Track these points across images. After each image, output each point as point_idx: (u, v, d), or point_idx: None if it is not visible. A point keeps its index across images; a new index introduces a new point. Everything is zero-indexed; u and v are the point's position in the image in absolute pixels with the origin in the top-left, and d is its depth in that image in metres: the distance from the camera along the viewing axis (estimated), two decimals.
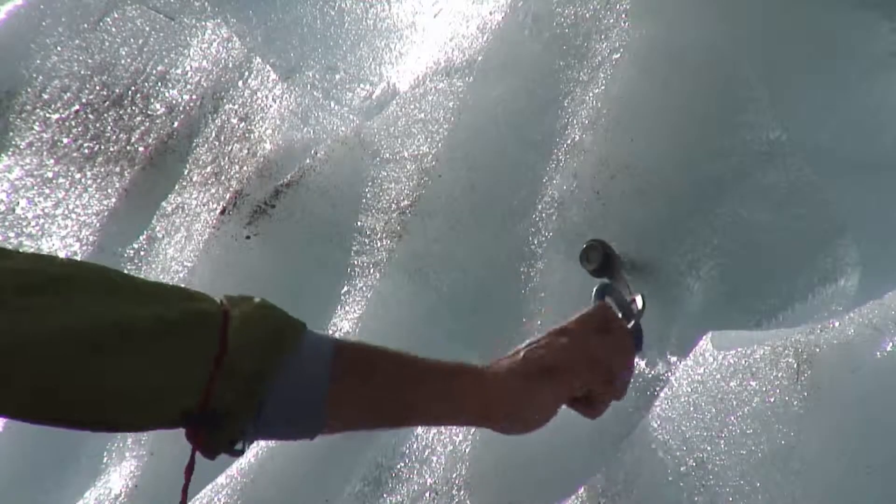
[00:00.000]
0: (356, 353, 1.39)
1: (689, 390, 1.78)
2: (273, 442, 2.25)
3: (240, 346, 1.29)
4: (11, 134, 3.14)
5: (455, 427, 2.08)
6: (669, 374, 1.92)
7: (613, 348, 1.59)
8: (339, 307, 2.37)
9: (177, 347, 1.27)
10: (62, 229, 2.92)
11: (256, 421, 1.31)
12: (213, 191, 2.69)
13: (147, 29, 3.06)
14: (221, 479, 2.27)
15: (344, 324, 2.33)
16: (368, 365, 1.39)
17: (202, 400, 1.27)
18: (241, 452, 1.34)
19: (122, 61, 3.05)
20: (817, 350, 1.66)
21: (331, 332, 2.35)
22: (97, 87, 3.06)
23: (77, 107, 3.07)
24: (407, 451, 2.14)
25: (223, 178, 2.69)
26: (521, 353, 1.52)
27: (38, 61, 3.18)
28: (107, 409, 1.26)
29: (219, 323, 1.29)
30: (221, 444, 1.32)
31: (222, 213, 2.58)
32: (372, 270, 2.35)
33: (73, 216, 2.93)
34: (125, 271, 2.76)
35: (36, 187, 3.02)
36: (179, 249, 2.67)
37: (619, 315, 1.70)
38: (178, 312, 1.28)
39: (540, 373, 1.50)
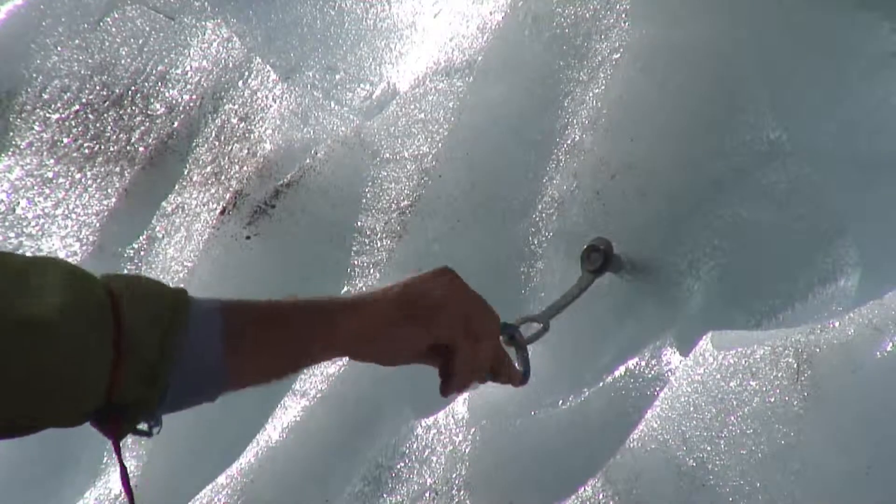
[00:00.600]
0: (243, 313, 1.39)
1: (689, 390, 1.78)
2: (273, 442, 2.26)
3: (135, 329, 1.28)
4: (11, 134, 3.14)
5: (454, 427, 2.08)
6: (669, 374, 1.92)
7: (490, 315, 1.58)
8: None
9: (70, 345, 1.24)
10: (62, 229, 2.92)
11: (161, 403, 1.31)
12: (213, 191, 2.69)
13: (147, 29, 3.06)
14: (221, 479, 2.27)
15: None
16: (257, 322, 1.39)
17: (108, 392, 1.27)
18: (149, 434, 1.35)
19: (122, 61, 3.05)
20: (817, 350, 1.67)
21: None
22: (97, 87, 3.06)
23: (77, 107, 3.07)
24: (407, 451, 2.14)
25: (223, 178, 2.69)
26: (400, 288, 1.52)
27: (38, 61, 3.17)
28: (27, 401, 1.24)
29: (110, 310, 1.28)
30: (129, 429, 1.33)
31: (222, 213, 2.58)
32: (372, 270, 2.35)
33: (73, 216, 2.93)
34: (125, 271, 2.76)
35: (36, 187, 3.02)
36: (179, 249, 2.67)
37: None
38: (72, 296, 1.26)
39: (413, 313, 1.50)
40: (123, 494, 1.45)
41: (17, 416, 1.27)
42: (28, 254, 2.90)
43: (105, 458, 2.51)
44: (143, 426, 1.34)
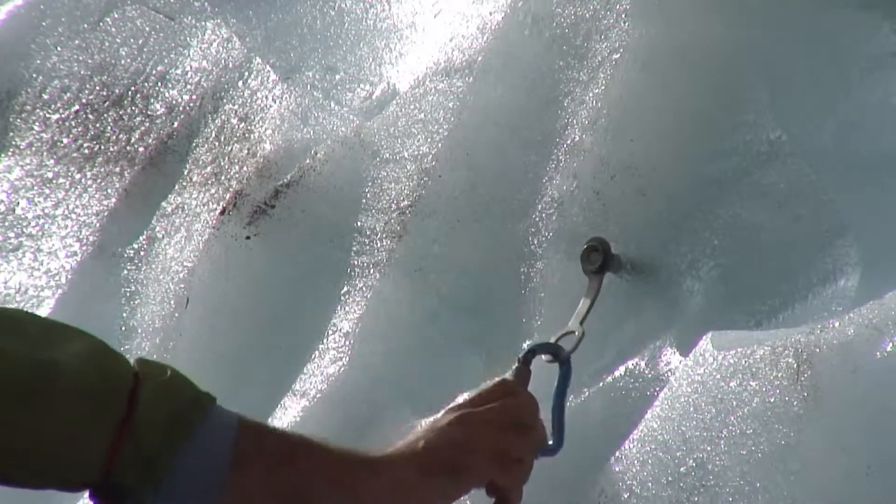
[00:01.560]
0: (258, 437, 1.37)
1: (689, 390, 1.78)
2: None
3: (148, 419, 1.28)
4: (11, 134, 3.13)
5: None
6: (669, 374, 1.92)
7: (520, 436, 1.53)
8: (339, 307, 2.36)
9: (81, 411, 1.25)
10: (62, 229, 2.92)
11: (155, 496, 1.30)
12: (213, 191, 2.69)
13: (147, 29, 3.06)
14: None
15: (344, 324, 2.33)
16: (269, 451, 1.37)
17: (104, 470, 1.27)
18: None
19: (122, 61, 3.05)
20: (817, 350, 1.66)
21: (330, 332, 2.35)
22: (97, 88, 3.06)
23: (77, 107, 3.07)
24: None
25: (223, 178, 2.69)
26: (421, 444, 1.45)
27: (38, 61, 3.17)
28: (18, 461, 1.24)
29: (129, 388, 1.28)
30: None
31: (222, 213, 2.58)
32: (372, 271, 2.35)
33: (73, 216, 2.93)
34: (125, 271, 2.76)
35: (36, 187, 3.02)
36: (179, 250, 2.67)
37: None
38: (94, 373, 1.26)
39: (439, 469, 1.44)
40: None
41: (13, 473, 1.27)
42: (28, 254, 2.91)
43: None
44: None
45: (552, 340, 1.86)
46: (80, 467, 1.27)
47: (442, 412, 1.52)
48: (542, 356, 1.80)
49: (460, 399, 1.55)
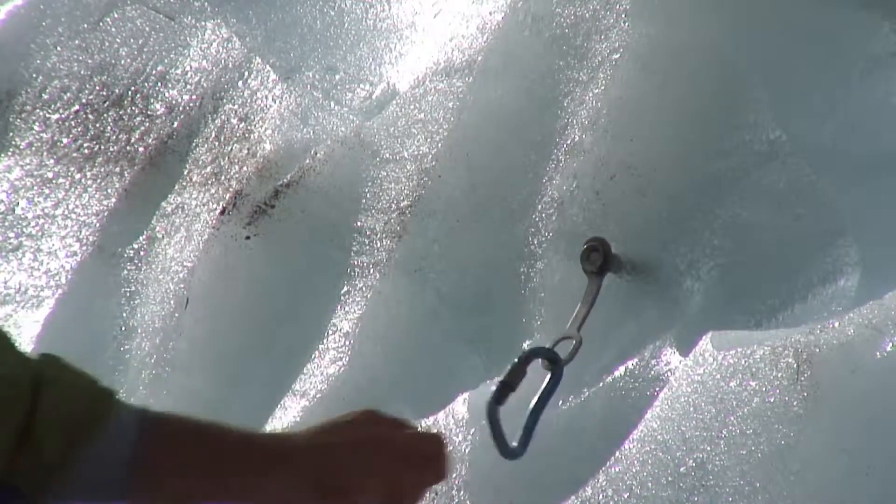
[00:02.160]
0: (159, 432, 1.37)
1: (689, 390, 1.78)
2: None
3: (47, 426, 1.27)
4: (11, 134, 3.13)
5: (454, 427, 2.08)
6: (669, 374, 1.92)
7: (417, 471, 1.48)
8: (339, 307, 2.36)
9: None
10: (62, 229, 2.92)
11: (55, 499, 1.31)
12: (212, 191, 2.69)
13: (147, 29, 3.05)
14: None
15: (344, 324, 2.33)
16: (169, 445, 1.37)
17: (4, 472, 1.27)
18: None
19: (122, 61, 3.05)
20: (817, 350, 1.67)
21: (330, 332, 2.35)
22: (97, 88, 3.06)
23: (77, 107, 3.07)
24: None
25: (223, 178, 2.69)
26: (323, 459, 1.42)
27: (38, 61, 3.17)
28: None
29: (28, 392, 1.27)
30: None
31: (222, 213, 2.58)
32: (372, 270, 2.35)
33: (73, 216, 2.93)
34: (125, 271, 2.76)
35: (36, 187, 3.02)
36: (179, 250, 2.67)
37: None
38: None
39: (332, 491, 1.44)
40: None
41: None
42: (28, 254, 2.90)
43: None
44: None
45: (549, 346, 1.87)
46: None
47: (346, 420, 1.50)
48: (540, 360, 1.82)
49: (363, 413, 1.53)
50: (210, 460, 1.38)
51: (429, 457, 1.50)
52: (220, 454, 1.39)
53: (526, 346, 2.10)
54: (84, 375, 1.34)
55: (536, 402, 1.80)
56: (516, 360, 1.77)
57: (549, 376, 1.82)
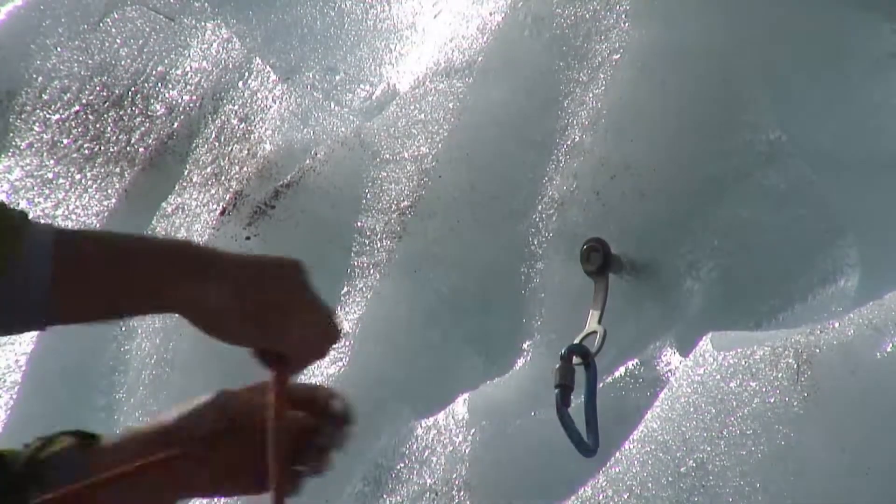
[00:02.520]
0: (76, 247, 1.38)
1: (689, 391, 1.78)
2: None
3: None
4: (11, 135, 3.13)
5: (454, 427, 2.08)
6: (669, 374, 1.93)
7: (330, 340, 1.48)
8: (339, 307, 2.36)
9: None
10: None
11: None
12: (213, 191, 2.69)
13: (147, 30, 3.06)
14: None
15: (344, 324, 2.33)
16: (89, 259, 1.38)
17: None
18: None
19: (122, 62, 3.05)
20: (817, 351, 1.67)
21: None
22: (97, 88, 3.06)
23: (77, 107, 3.07)
24: (407, 452, 2.14)
25: (223, 178, 2.69)
26: (247, 274, 1.41)
27: (38, 62, 3.17)
28: None
29: None
30: None
31: (222, 213, 2.58)
32: (372, 271, 2.35)
33: (74, 217, 2.93)
34: None
35: (36, 188, 3.02)
36: None
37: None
38: None
39: (258, 317, 1.41)
40: None
41: None
42: None
43: None
44: None
45: (576, 342, 1.93)
46: None
47: (284, 258, 1.50)
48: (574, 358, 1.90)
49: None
50: (132, 269, 1.38)
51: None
52: (144, 261, 1.39)
53: (526, 345, 2.10)
54: None
55: (587, 398, 1.89)
56: (560, 362, 1.89)
57: (585, 374, 1.90)
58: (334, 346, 1.50)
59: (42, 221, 1.36)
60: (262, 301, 1.43)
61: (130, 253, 1.40)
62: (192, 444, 1.46)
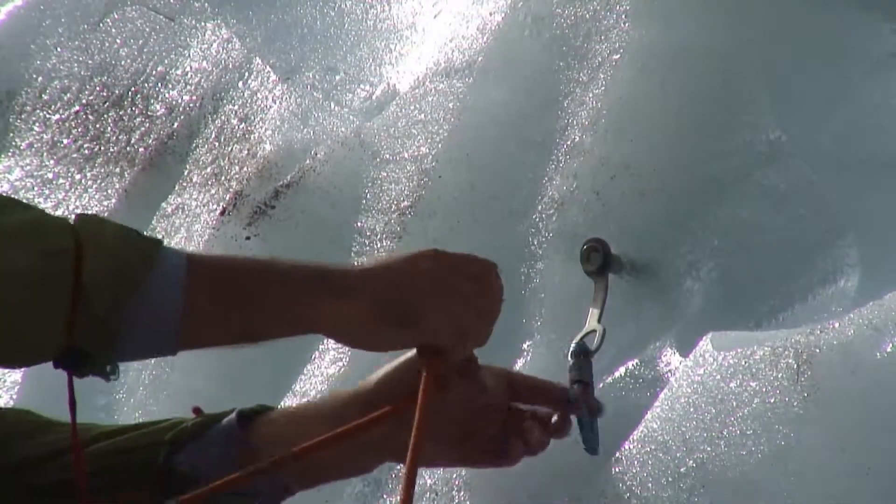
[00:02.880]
0: (209, 273, 1.38)
1: (689, 391, 1.78)
2: None
3: (95, 285, 1.29)
4: (11, 135, 3.14)
5: None
6: (669, 374, 1.92)
7: (482, 324, 1.53)
8: None
9: (31, 294, 1.27)
10: None
11: (116, 353, 1.32)
12: (212, 191, 2.69)
13: (147, 30, 3.06)
14: None
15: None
16: (220, 283, 1.38)
17: (65, 341, 1.29)
18: (110, 377, 1.36)
19: (122, 62, 3.05)
20: (817, 351, 1.66)
21: None
22: (97, 88, 3.06)
23: (77, 108, 3.07)
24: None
25: (223, 178, 2.69)
26: (390, 288, 1.45)
27: (38, 62, 3.17)
28: None
29: (71, 259, 1.29)
30: (84, 375, 1.35)
31: (222, 213, 2.58)
32: None
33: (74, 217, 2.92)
34: None
35: (36, 188, 3.02)
36: None
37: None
38: (32, 254, 1.27)
39: (397, 321, 1.44)
40: None
41: None
42: None
43: None
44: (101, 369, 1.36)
45: (577, 340, 1.92)
46: (41, 346, 1.30)
47: (417, 253, 1.50)
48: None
49: (437, 250, 1.53)
50: (267, 293, 1.38)
51: (493, 315, 1.50)
52: (279, 285, 1.39)
53: (526, 345, 2.10)
54: (125, 230, 1.34)
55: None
56: (573, 359, 1.88)
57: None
58: (490, 323, 1.50)
59: (175, 248, 1.35)
60: (401, 305, 1.43)
61: (265, 279, 1.39)
62: (398, 403, 1.47)
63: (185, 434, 1.61)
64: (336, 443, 1.51)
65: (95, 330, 1.29)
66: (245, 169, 2.65)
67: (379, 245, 2.35)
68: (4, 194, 1.43)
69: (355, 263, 1.51)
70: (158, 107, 2.94)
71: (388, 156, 2.43)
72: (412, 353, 1.58)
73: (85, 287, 1.28)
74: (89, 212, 2.90)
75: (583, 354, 1.89)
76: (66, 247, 1.29)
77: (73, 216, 1.35)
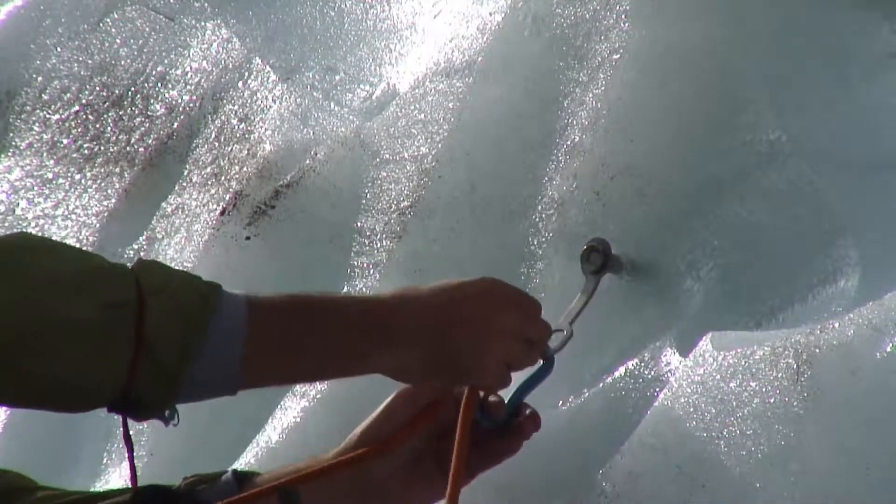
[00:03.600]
0: (267, 316, 1.39)
1: (690, 391, 1.78)
2: (273, 443, 2.25)
3: (158, 336, 1.30)
4: (11, 135, 3.14)
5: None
6: (669, 374, 1.92)
7: (528, 352, 1.59)
8: None
9: (92, 347, 1.28)
10: (62, 230, 2.92)
11: (176, 399, 1.33)
12: (212, 191, 2.69)
13: (147, 30, 3.06)
14: None
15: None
16: (279, 325, 1.39)
17: (124, 389, 1.29)
18: (169, 421, 1.37)
19: (122, 62, 3.05)
20: (817, 351, 1.67)
21: None
22: (97, 88, 3.06)
23: (77, 107, 3.07)
24: None
25: (223, 178, 2.69)
26: (439, 339, 1.49)
27: (38, 62, 3.17)
28: (38, 398, 1.29)
29: (134, 310, 1.29)
30: (147, 419, 1.35)
31: (222, 213, 2.58)
32: (372, 271, 2.35)
33: (73, 217, 2.93)
34: None
35: (36, 188, 3.02)
36: (179, 250, 2.67)
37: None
38: (95, 307, 1.28)
39: (443, 372, 1.49)
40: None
41: (29, 399, 1.31)
42: None
43: (105, 459, 2.51)
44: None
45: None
46: (99, 394, 1.30)
47: (459, 286, 1.53)
48: None
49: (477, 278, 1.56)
50: (327, 340, 1.40)
51: (538, 341, 1.53)
52: (338, 333, 1.40)
53: None
54: (187, 278, 1.34)
55: (526, 383, 1.83)
56: None
57: (538, 365, 1.86)
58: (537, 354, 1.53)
59: (234, 292, 1.35)
60: (454, 358, 1.46)
61: (324, 325, 1.41)
62: (386, 442, 1.50)
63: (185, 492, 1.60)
64: (348, 468, 1.53)
65: (157, 380, 1.30)
66: (245, 169, 2.65)
67: (379, 245, 2.35)
68: (54, 239, 1.42)
69: (408, 296, 1.52)
70: (158, 107, 2.94)
71: (388, 156, 2.43)
72: (391, 399, 1.63)
73: (148, 339, 1.28)
74: (90, 212, 2.90)
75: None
76: (129, 298, 1.29)
77: (134, 262, 1.35)
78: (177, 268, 1.40)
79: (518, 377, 1.80)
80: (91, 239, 2.85)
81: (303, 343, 1.41)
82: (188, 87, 2.91)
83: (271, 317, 1.40)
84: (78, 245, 2.86)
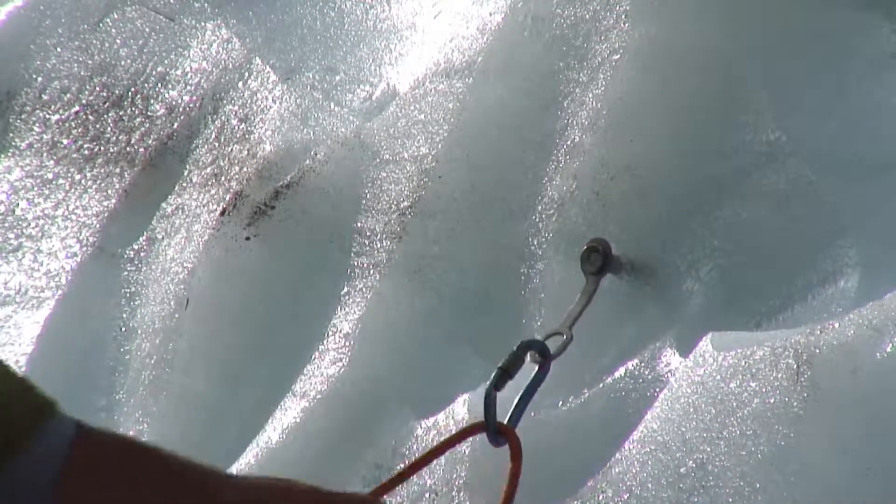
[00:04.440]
0: (91, 451, 1.35)
1: (689, 391, 1.78)
2: (273, 443, 2.26)
3: None
4: (11, 135, 3.14)
5: (454, 428, 2.08)
6: (669, 374, 1.92)
7: None
8: (339, 308, 2.36)
9: None
10: (62, 230, 2.92)
11: None
12: (212, 192, 2.69)
13: (147, 30, 3.06)
14: None
15: (344, 325, 2.33)
16: (101, 467, 1.35)
17: None
18: None
19: (122, 62, 3.05)
20: (817, 351, 1.67)
21: (330, 333, 2.35)
22: (97, 89, 3.06)
23: (77, 108, 3.07)
24: (406, 453, 2.14)
25: (223, 179, 2.69)
26: None
27: (38, 62, 3.17)
28: None
29: None
30: None
31: (222, 214, 2.58)
32: (372, 271, 2.35)
33: (73, 217, 2.93)
34: (125, 272, 2.76)
35: (36, 188, 3.02)
36: (179, 250, 2.67)
37: None
38: None
39: None
40: None
41: None
42: (28, 255, 2.90)
43: None
44: None
45: (542, 339, 1.91)
46: None
47: (297, 488, 1.50)
48: (529, 354, 1.86)
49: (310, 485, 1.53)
50: (133, 491, 1.35)
51: None
52: (147, 485, 1.36)
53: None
54: (18, 390, 1.30)
55: (523, 394, 1.84)
56: (514, 349, 1.85)
57: (536, 369, 1.86)
58: None
59: (66, 416, 1.32)
60: None
61: (149, 479, 1.36)
62: None
63: None
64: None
65: None
66: (245, 169, 2.65)
67: (379, 245, 2.36)
68: None
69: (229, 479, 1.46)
70: (158, 107, 2.94)
71: (388, 156, 2.43)
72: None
73: None
74: (90, 212, 2.90)
75: (525, 353, 1.86)
76: None
77: None
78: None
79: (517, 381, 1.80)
80: (91, 239, 2.85)
81: (112, 488, 1.36)
82: (188, 87, 2.91)
83: (91, 449, 1.35)
84: (78, 245, 2.86)
